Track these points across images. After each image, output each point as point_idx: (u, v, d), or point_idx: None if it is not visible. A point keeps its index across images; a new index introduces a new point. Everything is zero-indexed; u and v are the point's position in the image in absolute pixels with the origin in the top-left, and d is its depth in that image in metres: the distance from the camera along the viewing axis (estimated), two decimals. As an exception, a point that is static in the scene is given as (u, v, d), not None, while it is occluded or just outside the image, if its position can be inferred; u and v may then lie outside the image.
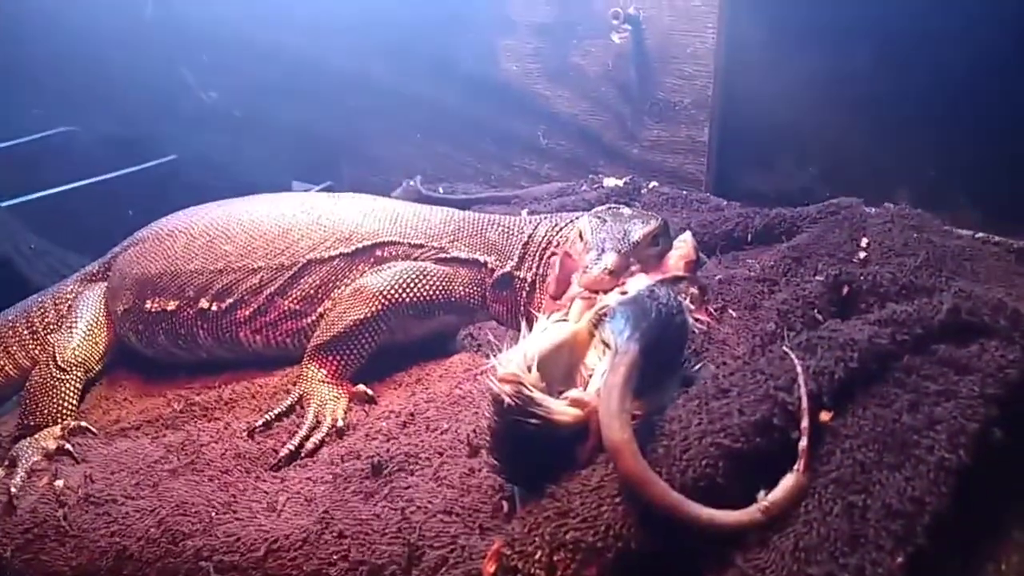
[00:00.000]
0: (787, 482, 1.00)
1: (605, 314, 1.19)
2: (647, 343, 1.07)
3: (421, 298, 1.62)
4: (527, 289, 1.67)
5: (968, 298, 1.22)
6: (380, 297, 1.58)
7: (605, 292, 1.32)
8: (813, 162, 2.29)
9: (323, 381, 1.57)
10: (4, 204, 2.73)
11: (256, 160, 3.10)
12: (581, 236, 1.49)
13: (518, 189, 2.60)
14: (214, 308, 1.74)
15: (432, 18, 2.68)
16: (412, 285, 1.61)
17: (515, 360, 1.12)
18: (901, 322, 1.18)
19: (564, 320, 1.26)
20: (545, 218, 1.77)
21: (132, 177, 2.96)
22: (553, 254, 1.55)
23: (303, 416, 1.53)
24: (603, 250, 1.40)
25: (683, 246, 1.48)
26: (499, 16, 2.57)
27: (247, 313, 1.72)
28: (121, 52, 3.13)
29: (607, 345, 1.11)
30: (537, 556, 1.00)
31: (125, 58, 3.13)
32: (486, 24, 2.60)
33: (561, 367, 1.18)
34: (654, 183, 2.41)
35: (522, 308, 1.67)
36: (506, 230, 1.75)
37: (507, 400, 1.08)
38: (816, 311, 1.45)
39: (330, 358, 1.57)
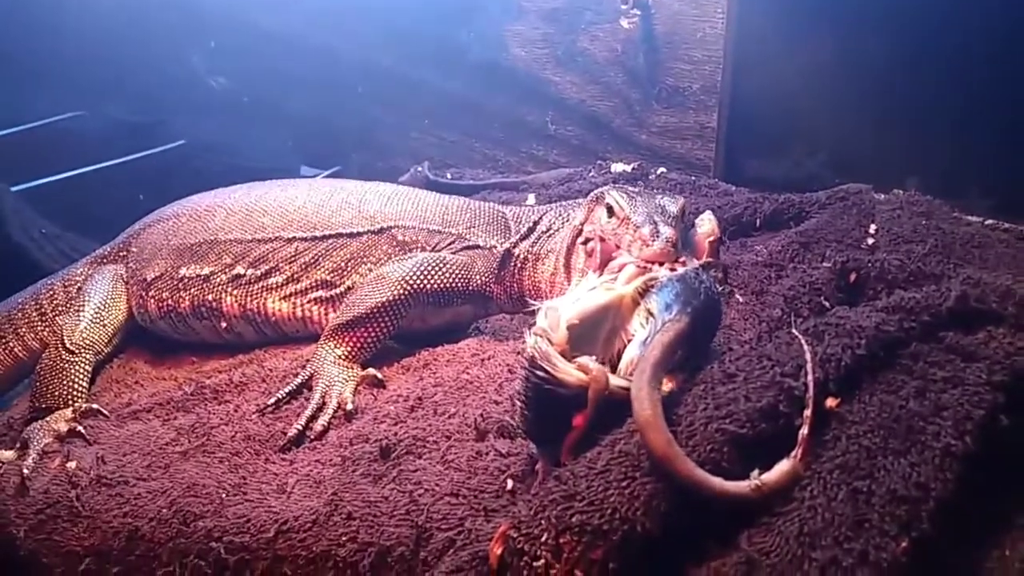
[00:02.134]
0: (782, 466, 1.01)
1: (653, 285, 1.20)
2: (694, 319, 1.10)
3: (441, 286, 1.66)
4: (519, 266, 1.72)
5: (976, 285, 1.21)
6: (402, 283, 1.62)
7: (662, 264, 1.33)
8: (822, 148, 2.29)
9: (335, 362, 1.59)
10: (14, 189, 2.74)
11: (265, 146, 3.10)
12: (611, 212, 1.48)
13: (526, 175, 2.60)
14: (249, 273, 1.81)
15: (441, 4, 2.67)
16: (432, 273, 1.65)
17: (553, 314, 1.15)
18: (909, 309, 1.18)
19: (612, 283, 1.27)
20: (552, 207, 1.81)
21: (141, 162, 2.96)
22: (588, 239, 1.55)
23: (310, 397, 1.54)
24: (655, 223, 1.39)
25: (707, 224, 1.48)
26: (508, 2, 2.56)
27: (280, 280, 1.80)
28: (130, 37, 3.13)
29: (651, 314, 1.13)
30: (543, 539, 1.00)
31: (134, 43, 3.13)
32: (495, 10, 2.59)
33: (604, 329, 1.20)
34: (662, 169, 2.41)
35: (515, 286, 1.72)
36: (516, 217, 1.80)
37: (528, 350, 1.12)
38: (823, 297, 1.45)
39: (349, 337, 1.61)
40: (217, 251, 1.84)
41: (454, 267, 1.68)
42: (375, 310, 1.61)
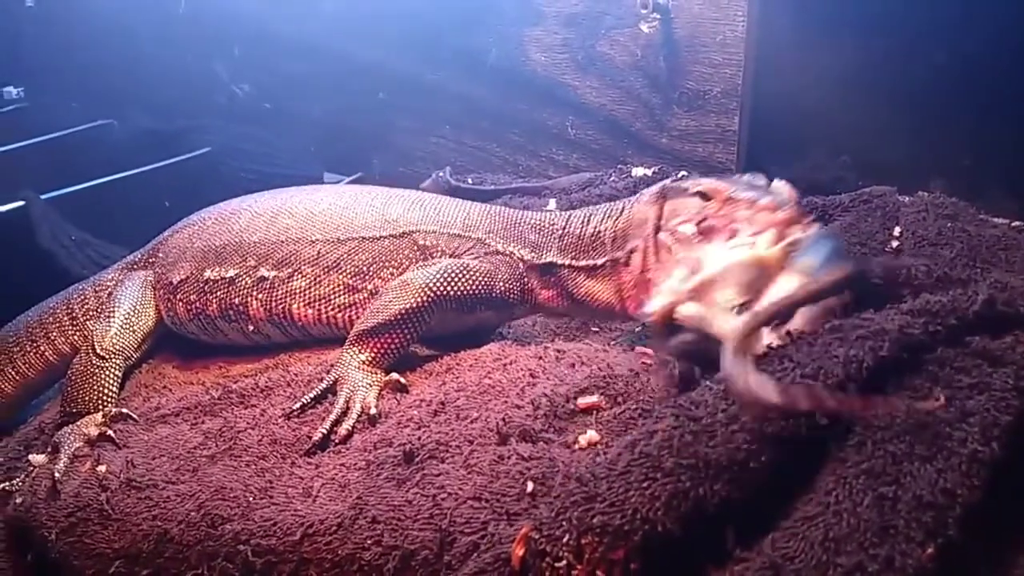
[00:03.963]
0: None
1: (797, 244, 1.29)
2: (849, 270, 1.19)
3: (464, 293, 1.66)
4: (614, 274, 1.67)
5: (1003, 289, 1.21)
6: (426, 290, 1.63)
7: (792, 224, 1.39)
8: (845, 150, 2.27)
9: (359, 367, 1.60)
10: (44, 196, 2.79)
11: (288, 152, 3.14)
12: (706, 197, 1.51)
13: (547, 179, 2.61)
14: (272, 275, 1.82)
15: (460, 10, 2.69)
16: (456, 280, 1.65)
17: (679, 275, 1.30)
18: (934, 313, 1.17)
19: (750, 247, 1.34)
20: (597, 210, 1.76)
21: (167, 170, 3.01)
22: (675, 232, 1.54)
23: (335, 401, 1.56)
24: (763, 192, 1.47)
25: (784, 191, 1.51)
26: (527, 7, 2.57)
27: (303, 284, 1.80)
28: (155, 47, 3.19)
29: (802, 273, 1.23)
30: (565, 540, 1.01)
31: (159, 53, 3.19)
32: (514, 15, 2.60)
33: (746, 289, 1.26)
34: (683, 173, 2.40)
35: (623, 292, 1.66)
36: (539, 224, 1.78)
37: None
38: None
39: (372, 343, 1.62)
40: (241, 253, 1.86)
41: (478, 274, 1.68)
42: (398, 317, 1.62)
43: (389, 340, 1.62)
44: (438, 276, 1.64)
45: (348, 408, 1.54)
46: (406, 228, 1.79)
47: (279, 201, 1.92)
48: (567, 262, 1.71)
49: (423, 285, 1.63)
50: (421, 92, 2.84)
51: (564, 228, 1.75)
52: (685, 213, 1.53)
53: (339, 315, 1.79)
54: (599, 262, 1.69)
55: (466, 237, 1.77)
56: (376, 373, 1.60)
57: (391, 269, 1.77)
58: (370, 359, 1.61)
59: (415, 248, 1.77)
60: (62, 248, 2.63)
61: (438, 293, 1.63)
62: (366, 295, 1.77)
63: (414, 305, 1.62)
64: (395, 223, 1.80)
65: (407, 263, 1.76)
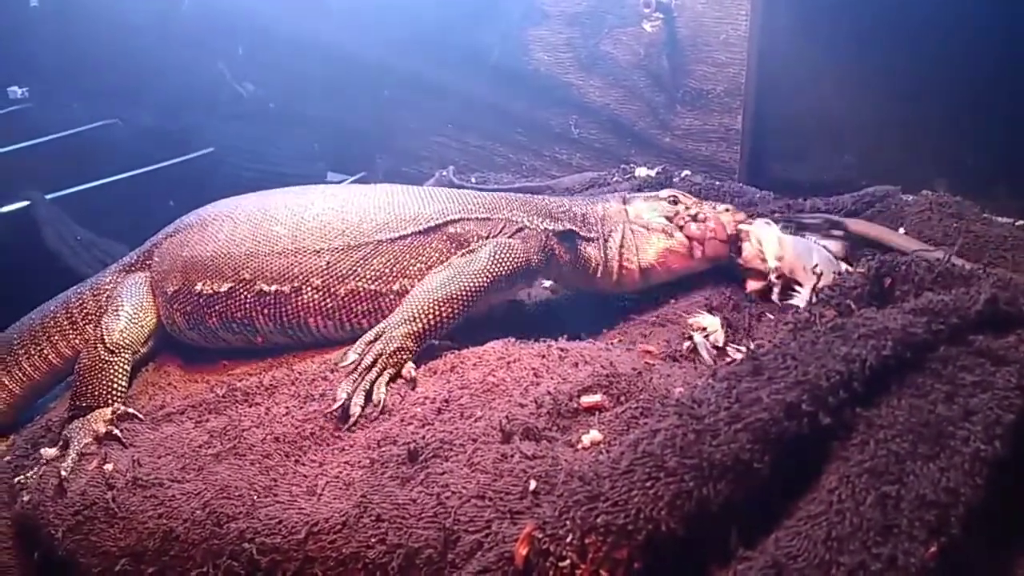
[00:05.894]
0: None
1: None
2: None
3: (513, 269, 1.72)
4: (601, 247, 1.89)
5: (1006, 288, 1.21)
6: (485, 273, 1.67)
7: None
8: (849, 150, 2.27)
9: (403, 336, 1.58)
10: (49, 196, 2.80)
11: (292, 151, 3.14)
12: (677, 201, 1.92)
13: (550, 179, 2.62)
14: (274, 291, 1.77)
15: (464, 9, 2.69)
16: (506, 258, 1.71)
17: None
18: (937, 311, 1.17)
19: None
20: (584, 199, 2.00)
21: (172, 169, 3.01)
22: (649, 223, 1.90)
23: (368, 349, 1.56)
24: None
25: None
26: (531, 6, 2.58)
27: (316, 296, 1.76)
28: (159, 46, 3.19)
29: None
30: (568, 539, 1.01)
31: (163, 52, 3.18)
32: (517, 15, 2.61)
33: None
34: (686, 172, 2.40)
35: (604, 262, 1.89)
36: (548, 201, 1.93)
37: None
38: (850, 301, 1.44)
39: (427, 312, 1.61)
40: (232, 266, 1.80)
41: (519, 250, 1.74)
42: (454, 296, 1.62)
43: (444, 313, 1.61)
44: (491, 258, 1.69)
45: (376, 361, 1.53)
46: (429, 223, 1.78)
47: (262, 206, 1.85)
48: (578, 230, 1.87)
49: (481, 269, 1.67)
50: (425, 91, 2.84)
51: (569, 207, 1.91)
52: (658, 211, 1.91)
53: (364, 321, 1.76)
54: (593, 235, 1.89)
55: (495, 219, 1.80)
56: (413, 349, 1.59)
57: (419, 265, 1.75)
58: (417, 330, 1.59)
59: (445, 239, 1.77)
60: (67, 248, 2.63)
61: (495, 274, 1.68)
62: (392, 297, 1.74)
63: (473, 286, 1.65)
64: (415, 219, 1.78)
65: (436, 255, 1.76)
